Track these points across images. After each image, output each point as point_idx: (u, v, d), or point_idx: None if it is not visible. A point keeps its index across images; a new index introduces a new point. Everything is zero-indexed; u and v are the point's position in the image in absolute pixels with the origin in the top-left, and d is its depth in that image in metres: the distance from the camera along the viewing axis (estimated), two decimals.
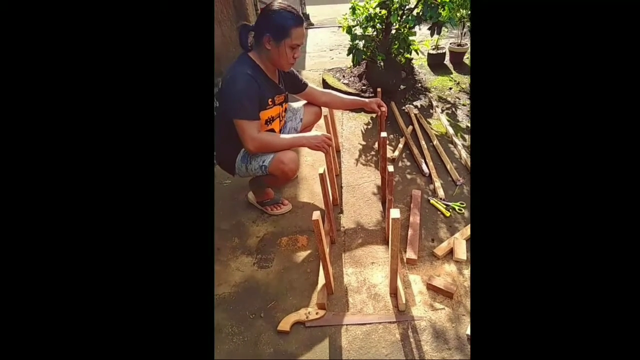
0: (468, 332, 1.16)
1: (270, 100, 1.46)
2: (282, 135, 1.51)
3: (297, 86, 1.67)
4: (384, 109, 1.70)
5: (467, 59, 3.21)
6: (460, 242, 1.47)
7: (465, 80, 2.91)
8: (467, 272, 1.38)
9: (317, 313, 1.26)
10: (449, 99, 2.68)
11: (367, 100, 1.72)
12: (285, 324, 1.23)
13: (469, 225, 1.56)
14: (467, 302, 1.27)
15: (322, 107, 1.81)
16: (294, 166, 1.46)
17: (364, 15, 2.49)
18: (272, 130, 1.54)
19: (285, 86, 1.59)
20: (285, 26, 1.33)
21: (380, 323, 1.23)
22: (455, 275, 1.37)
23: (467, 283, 1.34)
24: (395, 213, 1.03)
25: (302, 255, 1.52)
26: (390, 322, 1.23)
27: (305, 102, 1.78)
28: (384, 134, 1.48)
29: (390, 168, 1.25)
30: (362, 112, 2.55)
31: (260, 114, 1.42)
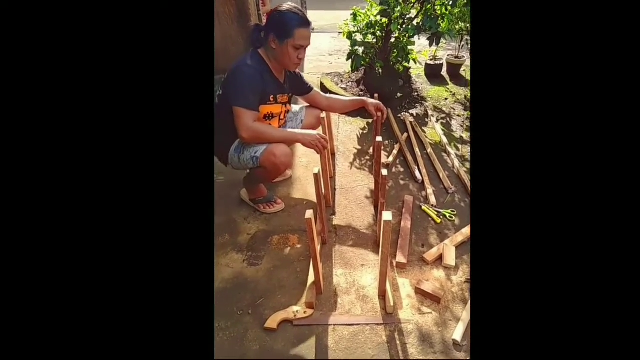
0: (454, 337, 1.17)
1: (272, 96, 1.48)
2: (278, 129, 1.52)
3: (302, 89, 1.69)
4: (380, 114, 1.71)
5: (463, 71, 3.26)
6: (449, 249, 1.48)
7: (461, 92, 2.96)
8: (455, 278, 1.39)
9: (305, 312, 1.26)
10: (444, 109, 2.72)
11: (367, 100, 1.71)
12: (272, 322, 1.23)
13: (459, 232, 1.58)
14: (454, 308, 1.28)
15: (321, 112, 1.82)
16: (286, 160, 1.46)
17: (364, 22, 2.53)
18: None
19: (290, 88, 1.61)
20: (288, 26, 1.36)
21: (367, 324, 1.23)
22: (443, 280, 1.38)
23: (455, 289, 1.35)
24: (387, 215, 1.04)
25: (293, 254, 1.52)
26: (377, 324, 1.23)
27: (306, 105, 1.79)
28: (379, 138, 1.50)
29: (384, 172, 1.26)
30: (359, 117, 2.57)
31: (260, 108, 1.44)
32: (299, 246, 1.56)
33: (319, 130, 1.51)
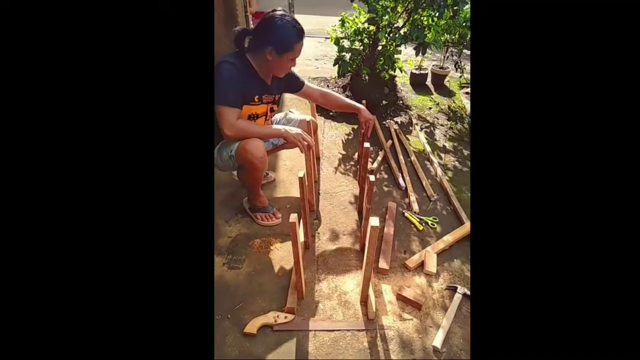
0: (434, 343, 1.17)
1: (257, 97, 1.46)
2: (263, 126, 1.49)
3: (295, 85, 1.67)
4: (368, 125, 1.70)
5: (447, 81, 3.33)
6: (431, 256, 1.50)
7: (445, 102, 3.01)
8: (436, 284, 1.40)
9: (285, 317, 1.24)
10: (428, 118, 2.76)
11: (362, 110, 1.70)
12: (252, 327, 1.21)
13: (441, 239, 1.59)
14: (435, 314, 1.29)
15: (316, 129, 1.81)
16: (258, 153, 1.40)
17: (352, 29, 2.55)
18: None
19: (280, 88, 1.58)
20: (289, 42, 1.35)
21: (348, 330, 1.22)
22: (424, 287, 1.39)
23: (436, 296, 1.36)
24: (374, 221, 1.04)
25: (274, 258, 1.50)
26: (358, 330, 1.22)
27: (302, 117, 1.77)
28: (367, 144, 1.50)
29: (372, 177, 1.26)
30: (344, 123, 2.58)
31: (244, 108, 1.42)
32: (281, 250, 1.54)
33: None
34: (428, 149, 2.30)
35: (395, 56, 2.62)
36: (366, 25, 2.48)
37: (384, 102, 2.83)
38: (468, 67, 3.27)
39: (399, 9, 2.47)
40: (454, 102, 3.02)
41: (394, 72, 2.73)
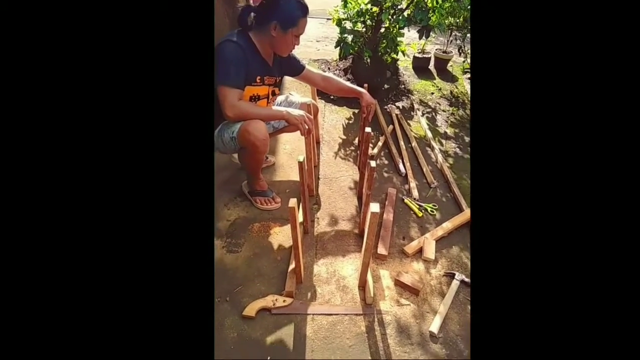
0: (431, 328, 1.19)
1: (258, 78, 1.45)
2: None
3: (295, 68, 1.65)
4: (370, 109, 1.68)
5: (450, 66, 3.28)
6: (430, 242, 1.50)
7: (447, 87, 2.97)
8: (434, 271, 1.41)
9: (284, 301, 1.25)
10: (430, 103, 2.73)
11: (365, 95, 1.68)
12: (250, 310, 1.21)
13: (440, 226, 1.59)
14: (432, 300, 1.30)
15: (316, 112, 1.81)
16: (260, 135, 1.38)
17: (355, 10, 2.48)
18: None
19: (281, 70, 1.57)
20: (294, 16, 1.35)
21: (346, 314, 1.23)
22: (422, 273, 1.40)
23: (434, 282, 1.37)
24: (374, 207, 1.04)
25: (274, 242, 1.50)
26: (356, 314, 1.24)
27: (303, 101, 1.73)
28: (368, 129, 1.48)
29: (373, 163, 1.25)
30: (345, 107, 2.55)
31: (245, 88, 1.40)
32: (280, 235, 1.54)
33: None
34: (429, 135, 2.27)
35: (398, 39, 2.57)
36: (369, 6, 2.41)
37: (385, 86, 2.79)
38: None
39: None
40: (457, 88, 2.98)
41: (397, 55, 2.68)
